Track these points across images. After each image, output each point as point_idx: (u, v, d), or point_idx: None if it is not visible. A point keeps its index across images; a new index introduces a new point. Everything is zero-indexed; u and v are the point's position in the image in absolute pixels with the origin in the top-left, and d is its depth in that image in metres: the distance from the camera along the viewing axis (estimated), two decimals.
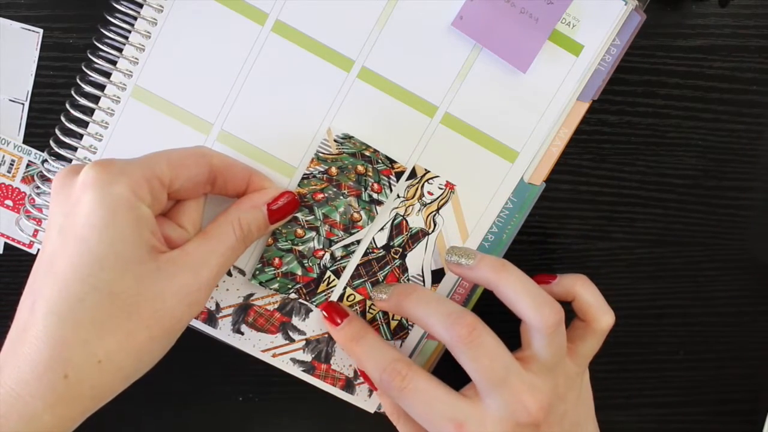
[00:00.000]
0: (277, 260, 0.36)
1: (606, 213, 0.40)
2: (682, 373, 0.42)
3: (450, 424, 0.31)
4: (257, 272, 0.36)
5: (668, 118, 0.39)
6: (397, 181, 0.35)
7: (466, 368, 0.31)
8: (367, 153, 0.35)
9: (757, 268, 0.41)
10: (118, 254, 0.28)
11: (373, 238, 0.36)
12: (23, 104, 0.37)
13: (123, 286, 0.28)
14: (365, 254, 0.36)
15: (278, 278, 0.36)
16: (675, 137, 0.39)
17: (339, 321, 0.35)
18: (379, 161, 0.35)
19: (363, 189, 0.35)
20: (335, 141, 0.35)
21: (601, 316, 0.34)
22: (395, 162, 0.35)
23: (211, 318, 0.37)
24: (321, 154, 0.35)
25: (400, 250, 0.36)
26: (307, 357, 0.37)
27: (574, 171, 0.39)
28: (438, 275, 0.37)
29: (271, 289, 0.36)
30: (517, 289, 0.32)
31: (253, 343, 0.37)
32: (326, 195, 0.35)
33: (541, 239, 0.40)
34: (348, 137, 0.35)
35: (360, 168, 0.35)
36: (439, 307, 0.32)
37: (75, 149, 0.35)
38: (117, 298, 0.28)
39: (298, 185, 0.35)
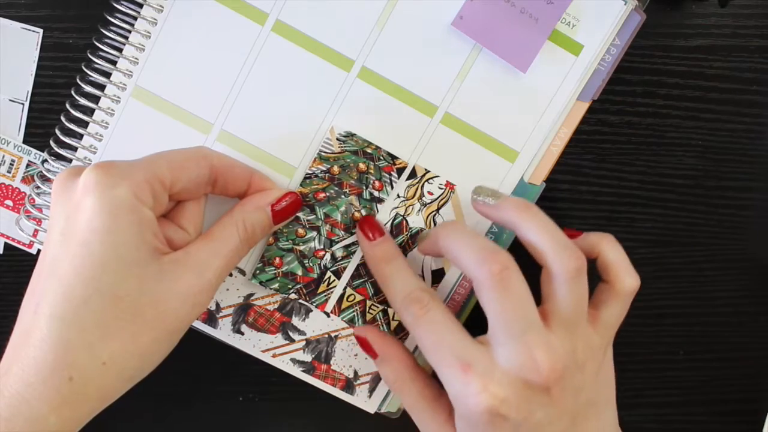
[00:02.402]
0: (277, 260, 0.36)
1: (606, 213, 0.40)
2: (682, 373, 0.42)
3: (457, 362, 0.29)
4: (258, 272, 0.36)
5: (668, 118, 0.39)
6: (399, 177, 0.35)
7: (487, 311, 0.29)
8: (368, 150, 0.35)
9: (757, 268, 0.41)
10: (121, 257, 0.28)
11: None
12: (23, 104, 0.37)
13: (126, 289, 0.28)
14: None
15: (278, 278, 0.36)
16: (675, 137, 0.39)
17: (373, 236, 0.34)
18: (381, 158, 0.35)
19: (364, 187, 0.35)
20: (338, 139, 0.35)
21: (625, 276, 0.32)
22: (397, 158, 0.35)
23: (211, 318, 0.37)
24: (324, 153, 0.35)
25: (401, 249, 0.36)
26: (307, 357, 0.37)
27: (574, 171, 0.39)
28: (438, 275, 0.37)
29: (271, 288, 0.36)
30: (539, 231, 0.30)
31: (253, 343, 0.37)
32: (328, 194, 0.35)
33: None
34: (350, 135, 0.35)
35: (362, 166, 0.35)
36: (473, 241, 0.30)
37: (75, 149, 0.35)
38: (121, 301, 0.28)
39: (301, 185, 0.35)
